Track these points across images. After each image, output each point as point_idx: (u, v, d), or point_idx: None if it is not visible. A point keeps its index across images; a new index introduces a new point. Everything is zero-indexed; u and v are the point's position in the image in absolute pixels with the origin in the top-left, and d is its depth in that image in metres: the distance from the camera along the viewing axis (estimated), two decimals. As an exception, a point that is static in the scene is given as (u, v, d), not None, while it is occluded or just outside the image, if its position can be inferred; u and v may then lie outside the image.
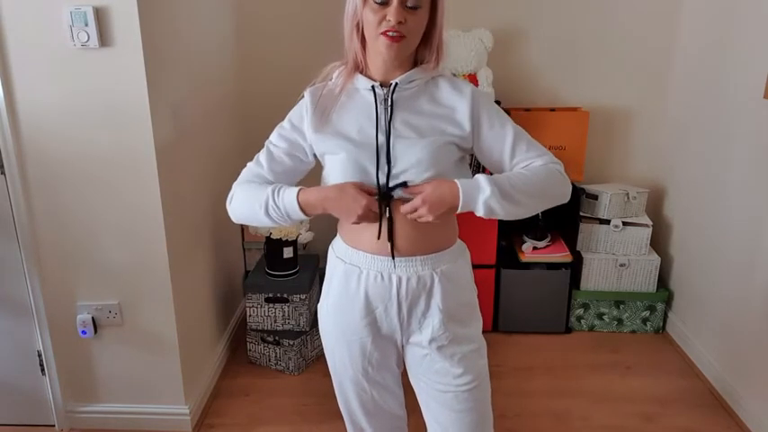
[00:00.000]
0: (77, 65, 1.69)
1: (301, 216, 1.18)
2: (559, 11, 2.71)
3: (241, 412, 2.19)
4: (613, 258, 2.67)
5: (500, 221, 2.56)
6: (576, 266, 2.69)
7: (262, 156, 1.26)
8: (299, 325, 2.40)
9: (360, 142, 1.16)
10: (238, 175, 1.30)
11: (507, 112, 2.65)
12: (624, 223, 2.67)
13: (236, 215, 1.26)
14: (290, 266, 2.43)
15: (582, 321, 2.76)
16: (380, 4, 1.10)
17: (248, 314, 2.42)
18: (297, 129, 1.24)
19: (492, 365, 1.32)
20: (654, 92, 2.79)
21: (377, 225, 1.17)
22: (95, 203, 1.83)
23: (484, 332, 1.32)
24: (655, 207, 2.86)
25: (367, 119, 1.18)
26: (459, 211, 1.14)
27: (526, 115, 2.69)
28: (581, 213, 2.71)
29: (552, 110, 2.75)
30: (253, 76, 2.80)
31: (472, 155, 1.26)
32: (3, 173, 1.80)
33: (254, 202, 1.20)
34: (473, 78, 2.59)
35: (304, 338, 2.40)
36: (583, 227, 2.70)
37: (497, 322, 2.73)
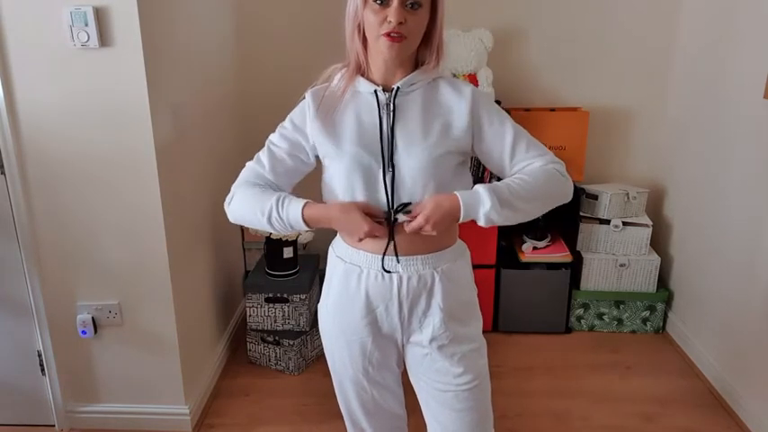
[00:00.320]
0: (77, 65, 1.69)
1: (305, 228, 1.18)
2: (559, 11, 2.71)
3: (241, 412, 2.19)
4: (613, 258, 2.67)
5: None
6: (576, 266, 2.69)
7: (263, 155, 1.26)
8: (299, 325, 2.40)
9: (363, 147, 1.16)
10: (238, 174, 1.30)
11: (507, 112, 2.64)
12: (624, 223, 2.67)
13: (234, 217, 1.25)
14: (290, 266, 2.43)
15: (582, 321, 2.76)
16: (381, 5, 1.10)
17: (248, 314, 2.42)
18: (299, 129, 1.24)
19: (492, 365, 1.32)
20: (654, 92, 2.79)
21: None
22: (95, 203, 1.83)
23: (484, 332, 1.32)
24: (655, 207, 2.86)
25: (369, 123, 1.18)
26: (460, 222, 1.16)
27: (526, 115, 2.69)
28: (581, 213, 2.72)
29: (552, 110, 2.75)
30: (253, 76, 2.80)
31: (473, 156, 1.26)
32: (3, 173, 1.80)
33: (257, 208, 1.19)
34: (473, 78, 2.59)
35: (304, 338, 2.40)
36: (583, 227, 2.70)
37: (497, 322, 2.73)
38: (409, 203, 1.15)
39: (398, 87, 1.18)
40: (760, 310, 2.07)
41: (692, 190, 2.59)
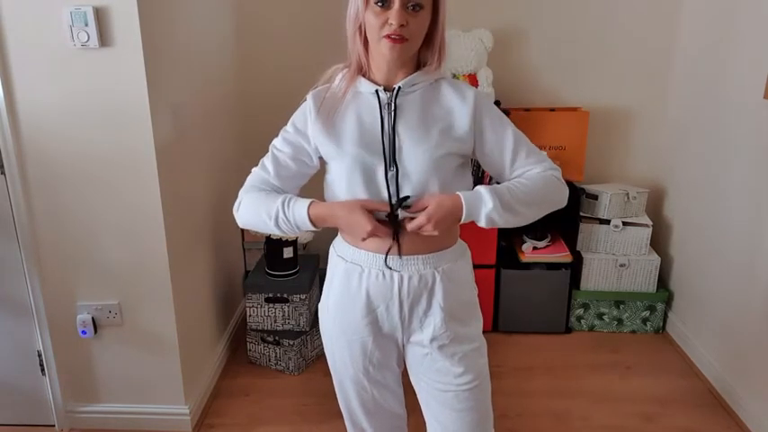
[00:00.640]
0: (77, 65, 1.69)
1: (311, 228, 1.19)
2: (559, 11, 2.71)
3: (241, 412, 2.19)
4: (613, 258, 2.67)
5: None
6: (576, 266, 2.69)
7: (267, 161, 1.26)
8: (299, 325, 2.40)
9: (365, 147, 1.17)
10: (238, 175, 1.30)
11: (507, 112, 2.65)
12: (624, 223, 2.67)
13: (243, 222, 1.26)
14: (290, 266, 2.43)
15: (582, 321, 2.76)
16: (382, 7, 1.10)
17: (248, 314, 2.42)
18: (301, 132, 1.24)
19: (492, 365, 1.32)
20: (654, 92, 2.79)
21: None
22: (95, 203, 1.83)
23: (484, 332, 1.32)
24: (655, 207, 2.86)
25: (371, 123, 1.18)
26: (461, 222, 1.16)
27: (526, 115, 2.69)
28: (581, 213, 2.71)
29: (552, 110, 2.75)
30: (253, 76, 2.80)
31: (473, 159, 1.27)
32: (3, 173, 1.80)
33: (263, 212, 1.20)
34: (473, 78, 2.60)
35: (304, 338, 2.40)
36: (583, 227, 2.70)
37: (497, 322, 2.73)
38: (408, 197, 1.16)
39: (400, 87, 1.18)
40: (760, 311, 2.07)
41: (692, 190, 2.59)
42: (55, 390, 2.02)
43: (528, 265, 2.67)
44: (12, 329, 1.97)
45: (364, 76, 1.20)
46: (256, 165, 1.28)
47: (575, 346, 2.64)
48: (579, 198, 2.70)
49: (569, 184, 2.63)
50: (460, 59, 2.55)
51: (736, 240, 2.23)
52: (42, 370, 2.01)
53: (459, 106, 1.20)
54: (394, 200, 1.16)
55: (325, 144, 1.20)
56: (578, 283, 2.72)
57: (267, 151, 1.28)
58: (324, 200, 1.23)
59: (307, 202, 1.18)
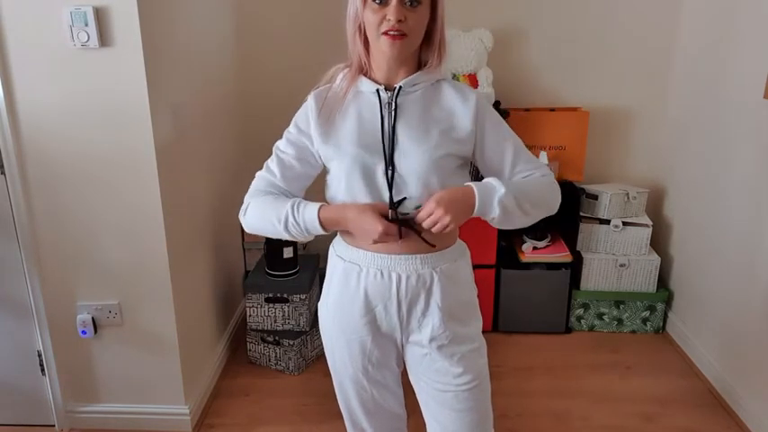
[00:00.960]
0: (77, 65, 1.69)
1: (321, 232, 1.19)
2: (559, 11, 2.71)
3: (241, 412, 2.19)
4: (613, 258, 2.67)
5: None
6: (576, 266, 2.69)
7: (272, 163, 1.26)
8: (299, 325, 2.40)
9: (363, 147, 1.16)
10: (239, 175, 1.30)
11: (507, 112, 2.65)
12: (624, 223, 2.67)
13: (250, 227, 1.26)
14: (290, 266, 2.43)
15: (582, 321, 2.76)
16: (380, 4, 1.11)
17: (248, 314, 2.42)
18: (304, 133, 1.24)
19: (492, 365, 1.32)
20: (654, 92, 2.79)
21: None
22: (95, 203, 1.83)
23: (484, 332, 1.32)
24: (655, 207, 2.86)
25: (371, 123, 1.18)
26: (475, 211, 1.14)
27: (526, 115, 2.69)
28: (581, 213, 2.71)
29: (552, 110, 2.75)
30: (253, 76, 2.80)
31: (471, 162, 1.27)
32: (3, 173, 1.80)
33: (272, 216, 1.20)
34: (473, 78, 2.60)
35: (304, 338, 2.40)
36: (583, 227, 2.70)
37: (497, 322, 2.73)
38: (405, 198, 1.15)
39: (401, 87, 1.18)
40: (760, 310, 2.07)
41: (692, 190, 2.59)
42: (55, 390, 2.02)
43: (528, 265, 2.67)
44: (12, 329, 1.97)
45: (365, 75, 1.20)
46: (257, 165, 1.28)
47: (575, 346, 2.64)
48: (579, 198, 2.70)
49: (569, 183, 2.65)
50: (460, 59, 2.55)
51: (736, 240, 2.23)
52: (42, 370, 2.01)
53: (460, 108, 1.20)
54: (393, 200, 1.16)
55: (325, 144, 1.20)
56: (578, 283, 2.72)
57: (267, 152, 1.28)
58: (324, 200, 1.23)
59: (317, 205, 1.18)
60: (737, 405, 2.17)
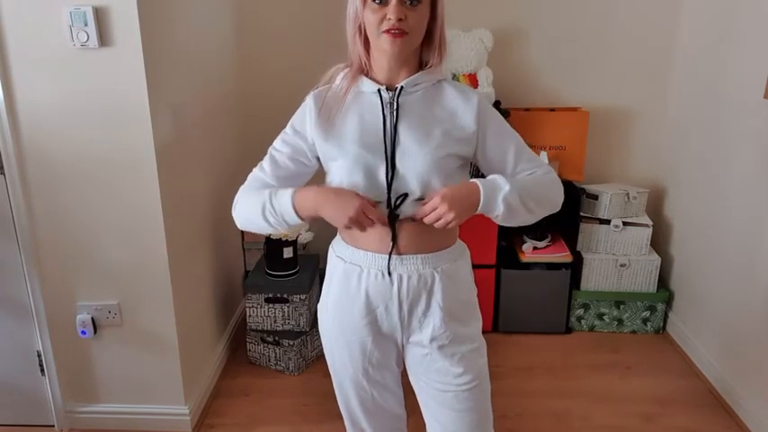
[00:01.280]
0: (77, 65, 1.69)
1: (295, 218, 1.17)
2: (559, 11, 2.71)
3: (241, 412, 2.19)
4: (613, 258, 2.67)
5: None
6: (576, 266, 2.68)
7: (265, 162, 1.26)
8: (298, 325, 2.39)
9: (365, 147, 1.16)
10: (238, 175, 1.30)
11: (507, 112, 2.65)
12: (624, 223, 2.67)
13: (239, 222, 1.26)
14: (289, 266, 2.43)
15: (582, 321, 2.75)
16: (380, 3, 1.11)
17: (248, 314, 2.42)
18: (299, 133, 1.24)
19: (492, 365, 1.32)
20: (654, 92, 2.79)
21: (377, 226, 1.17)
22: (95, 203, 1.83)
23: (484, 332, 1.32)
24: (655, 207, 2.86)
25: (372, 123, 1.18)
26: (479, 208, 1.13)
27: (526, 115, 2.69)
28: (581, 213, 2.71)
29: (552, 110, 2.75)
30: (253, 76, 2.80)
31: (472, 162, 1.27)
32: (3, 173, 1.80)
33: (255, 206, 1.19)
34: (473, 78, 2.60)
35: (304, 339, 2.40)
36: (583, 227, 2.70)
37: (497, 322, 2.73)
38: (406, 194, 1.15)
39: (402, 87, 1.18)
40: (760, 310, 2.07)
41: (692, 190, 2.59)
42: (54, 390, 2.02)
43: (528, 265, 2.67)
44: (12, 330, 1.97)
45: (366, 76, 1.21)
46: (256, 165, 1.28)
47: (575, 347, 2.64)
48: (579, 198, 2.70)
49: (569, 183, 2.65)
50: (460, 59, 2.55)
51: (736, 240, 2.23)
52: (42, 370, 2.00)
53: (462, 108, 1.20)
54: (393, 199, 1.16)
55: (325, 144, 1.20)
56: (578, 283, 2.71)
57: (267, 152, 1.28)
58: None
59: (291, 190, 1.16)
60: (737, 405, 2.16)
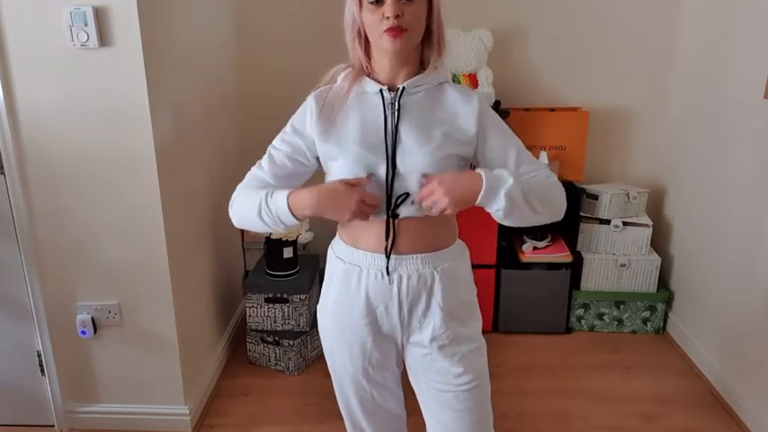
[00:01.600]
0: (77, 65, 1.69)
1: (291, 219, 1.15)
2: (559, 11, 2.71)
3: (241, 412, 2.19)
4: (614, 258, 2.67)
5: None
6: (576, 266, 2.68)
7: (264, 160, 1.26)
8: (298, 325, 2.39)
9: (366, 147, 1.16)
10: (238, 175, 1.30)
11: (507, 112, 2.65)
12: (624, 223, 2.67)
13: (236, 220, 1.26)
14: (289, 267, 2.43)
15: (582, 321, 2.75)
16: (376, 4, 1.11)
17: (248, 314, 2.42)
18: (299, 132, 1.24)
19: (492, 365, 1.32)
20: (654, 92, 2.79)
21: (377, 226, 1.18)
22: (95, 203, 1.83)
23: (484, 332, 1.32)
24: (655, 207, 2.86)
25: (373, 123, 1.18)
26: (479, 199, 1.10)
27: (526, 115, 2.69)
28: (581, 213, 2.71)
29: (552, 110, 2.75)
30: (253, 76, 2.80)
31: (472, 164, 1.27)
32: (3, 173, 1.80)
33: (251, 205, 1.19)
34: (473, 78, 2.60)
35: (304, 339, 2.40)
36: (583, 227, 2.70)
37: (497, 322, 2.73)
38: (407, 194, 1.15)
39: (404, 87, 1.18)
40: (760, 310, 2.07)
41: (692, 190, 2.59)
42: (54, 390, 2.02)
43: (528, 265, 2.67)
44: (12, 330, 1.97)
45: (368, 76, 1.21)
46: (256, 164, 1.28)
47: (575, 347, 2.64)
48: (579, 198, 2.70)
49: (569, 183, 2.65)
50: (460, 59, 2.55)
51: (736, 240, 2.23)
52: (42, 370, 2.00)
53: (463, 109, 1.20)
54: (394, 198, 1.16)
55: (325, 144, 1.20)
56: (578, 283, 2.71)
57: (266, 151, 1.28)
58: None
59: (287, 191, 1.16)
60: (738, 405, 2.16)
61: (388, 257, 1.19)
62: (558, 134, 2.67)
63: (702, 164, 2.49)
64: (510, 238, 2.81)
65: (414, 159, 1.15)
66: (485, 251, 2.61)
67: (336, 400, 1.41)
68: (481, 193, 1.10)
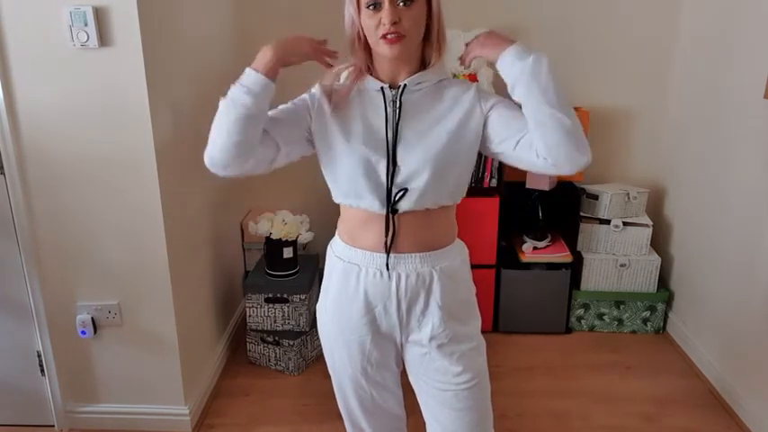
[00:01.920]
0: (77, 65, 1.69)
1: (256, 75, 1.16)
2: (559, 11, 2.71)
3: (241, 412, 2.19)
4: (614, 258, 2.67)
5: (500, 221, 2.56)
6: (576, 266, 2.68)
7: None
8: (298, 325, 2.39)
9: (367, 143, 1.17)
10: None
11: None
12: (624, 223, 2.67)
13: (210, 145, 1.29)
14: (289, 266, 2.43)
15: (582, 321, 2.75)
16: (374, 9, 1.10)
17: (248, 314, 2.42)
18: (306, 107, 1.22)
19: (492, 365, 1.32)
20: (654, 92, 2.79)
21: (376, 223, 1.19)
22: (95, 203, 1.83)
23: (484, 332, 1.32)
24: (655, 207, 2.86)
25: (375, 119, 1.18)
26: (510, 48, 1.13)
27: (526, 115, 2.69)
28: (581, 213, 2.71)
29: (552, 110, 2.75)
30: (253, 77, 2.79)
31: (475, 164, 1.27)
32: (3, 173, 1.80)
33: (220, 108, 1.21)
34: (473, 78, 2.60)
35: (304, 339, 2.40)
36: (583, 227, 2.70)
37: (497, 322, 2.73)
38: (407, 189, 1.15)
39: (406, 85, 1.18)
40: (760, 310, 2.07)
41: (692, 190, 2.59)
42: (54, 390, 2.02)
43: (528, 265, 2.67)
44: (12, 330, 1.97)
45: (370, 75, 1.21)
46: None
47: (575, 347, 2.64)
48: (579, 198, 2.70)
49: (569, 184, 2.65)
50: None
51: (736, 240, 2.23)
52: (42, 370, 2.00)
53: (463, 96, 1.20)
54: (394, 193, 1.16)
55: (326, 137, 1.20)
56: (578, 283, 2.71)
57: None
58: (326, 195, 1.22)
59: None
60: (737, 405, 2.16)
61: (387, 253, 1.19)
62: (558, 134, 2.66)
63: (702, 164, 2.49)
64: (510, 238, 2.80)
65: (415, 156, 1.16)
66: (485, 251, 2.61)
67: (336, 401, 1.41)
68: (514, 44, 1.12)
